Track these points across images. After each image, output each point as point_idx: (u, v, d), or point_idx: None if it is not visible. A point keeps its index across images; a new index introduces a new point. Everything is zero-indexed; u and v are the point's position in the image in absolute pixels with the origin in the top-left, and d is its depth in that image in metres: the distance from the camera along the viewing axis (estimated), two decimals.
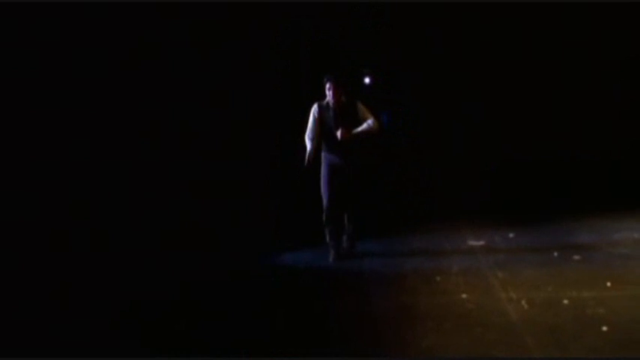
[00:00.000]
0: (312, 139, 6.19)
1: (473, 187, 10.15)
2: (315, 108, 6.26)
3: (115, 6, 5.49)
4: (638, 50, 9.95)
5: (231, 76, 6.90)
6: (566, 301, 4.59)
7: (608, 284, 4.96)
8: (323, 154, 6.30)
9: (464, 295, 4.89)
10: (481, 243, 6.80)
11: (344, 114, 6.21)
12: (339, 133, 6.14)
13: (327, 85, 6.19)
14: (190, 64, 6.44)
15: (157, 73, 6.06)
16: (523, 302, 4.62)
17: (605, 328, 3.99)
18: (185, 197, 6.27)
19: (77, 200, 5.28)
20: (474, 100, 10.56)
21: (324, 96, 6.27)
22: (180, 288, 5.47)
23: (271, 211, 7.18)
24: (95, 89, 5.48)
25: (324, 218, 6.32)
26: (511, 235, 7.12)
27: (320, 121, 6.24)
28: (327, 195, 6.25)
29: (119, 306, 4.89)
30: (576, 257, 5.91)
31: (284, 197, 7.40)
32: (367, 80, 8.20)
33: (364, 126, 6.20)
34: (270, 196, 7.27)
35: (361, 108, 6.27)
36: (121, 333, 4.38)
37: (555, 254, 6.08)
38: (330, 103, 6.23)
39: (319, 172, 6.31)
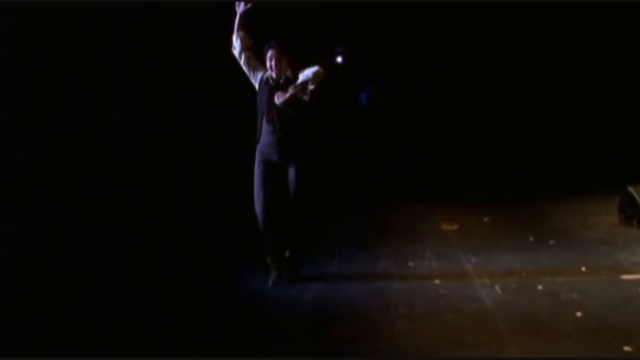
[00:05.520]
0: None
1: (448, 169, 10.12)
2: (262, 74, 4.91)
3: None
4: None
5: None
6: (540, 287, 4.52)
7: (583, 269, 4.92)
8: (258, 149, 4.86)
9: (437, 281, 4.79)
10: (455, 227, 6.73)
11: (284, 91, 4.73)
12: (276, 99, 4.70)
13: (269, 54, 4.78)
14: None
15: None
16: (497, 288, 4.54)
17: (579, 314, 3.93)
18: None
19: None
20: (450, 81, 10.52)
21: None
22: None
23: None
24: None
25: (261, 231, 4.88)
26: (486, 219, 7.05)
27: (258, 98, 4.88)
28: (261, 202, 4.80)
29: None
30: (551, 242, 5.86)
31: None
32: (339, 59, 7.88)
33: (306, 73, 4.74)
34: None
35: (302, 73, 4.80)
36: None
37: (530, 239, 6.02)
38: (271, 79, 4.83)
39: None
